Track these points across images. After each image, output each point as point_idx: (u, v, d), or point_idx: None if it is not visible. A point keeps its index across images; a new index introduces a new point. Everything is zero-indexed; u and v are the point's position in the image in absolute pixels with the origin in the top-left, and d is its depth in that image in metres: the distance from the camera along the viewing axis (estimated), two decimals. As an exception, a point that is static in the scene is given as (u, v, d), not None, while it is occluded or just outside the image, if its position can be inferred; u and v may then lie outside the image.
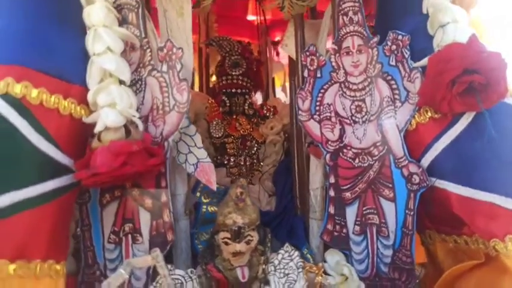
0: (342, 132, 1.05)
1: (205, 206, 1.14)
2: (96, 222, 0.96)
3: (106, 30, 0.93)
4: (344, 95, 1.05)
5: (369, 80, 1.03)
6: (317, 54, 1.06)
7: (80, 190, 0.92)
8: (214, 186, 1.03)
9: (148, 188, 0.96)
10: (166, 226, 0.93)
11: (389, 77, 1.01)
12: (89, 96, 0.89)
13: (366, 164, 1.02)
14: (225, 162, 1.52)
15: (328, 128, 1.06)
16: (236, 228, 0.90)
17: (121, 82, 0.91)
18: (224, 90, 1.59)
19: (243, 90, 1.58)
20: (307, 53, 1.05)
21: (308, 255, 1.07)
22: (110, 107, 0.87)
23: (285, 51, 1.26)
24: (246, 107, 1.58)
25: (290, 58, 1.37)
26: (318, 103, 1.06)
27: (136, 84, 0.99)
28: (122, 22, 1.02)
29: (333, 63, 1.05)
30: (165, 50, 0.99)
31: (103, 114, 0.86)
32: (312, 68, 1.06)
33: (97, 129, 0.85)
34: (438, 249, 1.03)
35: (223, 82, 1.58)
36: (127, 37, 0.97)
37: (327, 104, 1.06)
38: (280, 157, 1.54)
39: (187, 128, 1.07)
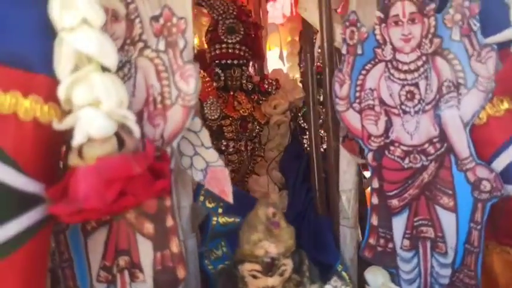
0: (389, 124, 0.84)
1: (215, 218, 0.92)
2: (79, 255, 0.73)
3: (77, -8, 0.65)
4: (392, 77, 0.83)
5: (424, 58, 0.81)
6: (358, 25, 0.82)
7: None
8: (230, 198, 0.81)
9: (147, 209, 0.72)
10: (176, 259, 0.71)
11: (451, 56, 0.79)
12: (61, 92, 0.62)
13: (418, 165, 0.82)
14: (223, 148, 1.29)
15: (371, 119, 0.84)
16: (269, 259, 0.70)
17: (104, 69, 0.65)
18: (217, 61, 1.33)
19: (240, 61, 1.33)
20: (347, 23, 0.81)
21: (343, 273, 0.89)
22: (93, 107, 0.61)
23: (304, 16, 1.00)
24: (244, 81, 1.34)
25: (304, 25, 1.12)
26: (358, 88, 0.84)
27: (123, 69, 0.73)
28: (97, -20, 0.73)
29: (378, 37, 0.82)
30: (161, 21, 0.72)
31: (84, 118, 0.60)
32: (351, 43, 0.82)
33: (76, 142, 0.60)
34: (495, 261, 0.87)
35: (217, 51, 1.32)
36: (108, 2, 0.70)
37: (370, 89, 0.84)
38: (288, 141, 1.33)
39: (191, 123, 0.83)
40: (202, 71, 1.32)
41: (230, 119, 1.30)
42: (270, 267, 0.70)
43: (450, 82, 0.80)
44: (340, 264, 0.89)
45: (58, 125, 0.63)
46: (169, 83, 0.72)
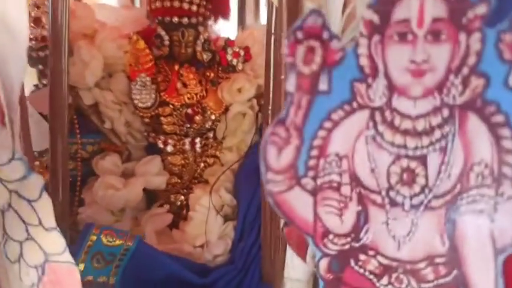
0: (362, 219, 0.48)
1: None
2: None
3: None
4: (380, 139, 0.44)
5: (446, 113, 0.42)
6: (325, 34, 0.41)
7: None
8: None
9: None
10: None
11: (501, 118, 0.40)
12: None
13: (404, 293, 0.48)
14: (160, 146, 0.95)
15: (332, 206, 0.48)
16: None
17: None
18: (160, 19, 0.93)
19: (193, 20, 0.92)
20: (299, 34, 0.41)
21: None
22: None
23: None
24: (199, 49, 0.94)
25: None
26: (314, 152, 0.46)
27: None
28: None
29: (362, 60, 0.42)
30: None
31: None
32: (307, 70, 0.43)
33: None
34: None
35: (158, 4, 0.91)
36: None
37: (336, 155, 0.46)
38: (252, 140, 0.97)
39: (21, 181, 0.49)
40: (135, 34, 0.92)
41: (170, 106, 0.93)
42: None
43: (486, 168, 0.42)
44: None
45: None
46: None
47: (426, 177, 0.44)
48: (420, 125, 0.43)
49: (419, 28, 0.40)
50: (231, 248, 0.83)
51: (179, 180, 0.96)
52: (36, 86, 0.89)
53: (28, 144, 0.57)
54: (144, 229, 0.88)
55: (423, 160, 0.43)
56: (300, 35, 0.40)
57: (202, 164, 0.97)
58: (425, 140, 0.43)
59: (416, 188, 0.44)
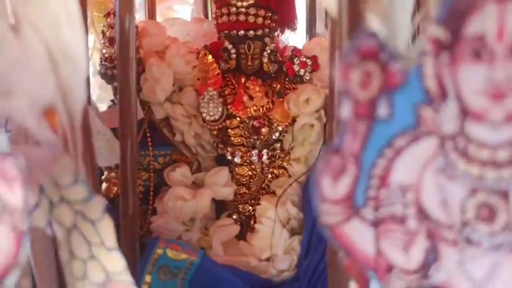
0: (432, 255, 0.43)
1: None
2: None
3: None
4: (452, 170, 0.39)
5: None
6: (382, 56, 0.37)
7: None
8: None
9: None
10: None
11: None
12: None
13: None
14: (228, 158, 0.96)
15: (397, 238, 0.43)
16: None
17: None
18: (227, 33, 0.93)
19: (259, 32, 0.91)
20: (352, 57, 0.37)
21: None
22: None
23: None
24: (266, 60, 0.93)
25: None
26: (374, 181, 0.42)
27: None
28: None
29: (429, 82, 0.37)
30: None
31: None
32: (363, 96, 0.39)
33: None
34: None
35: (224, 18, 0.91)
36: None
37: (400, 185, 0.42)
38: (320, 151, 0.94)
39: (85, 203, 0.52)
40: (203, 49, 0.94)
41: (237, 119, 0.93)
42: None
43: None
44: None
45: None
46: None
47: (509, 214, 0.38)
48: (501, 154, 0.37)
49: (498, 42, 0.34)
50: (297, 263, 0.81)
51: (247, 191, 0.96)
52: (112, 101, 0.95)
53: (93, 165, 0.60)
54: (211, 240, 0.89)
55: (504, 194, 0.37)
56: (353, 58, 0.36)
57: (269, 175, 0.95)
58: (507, 172, 0.37)
59: (497, 226, 0.38)
